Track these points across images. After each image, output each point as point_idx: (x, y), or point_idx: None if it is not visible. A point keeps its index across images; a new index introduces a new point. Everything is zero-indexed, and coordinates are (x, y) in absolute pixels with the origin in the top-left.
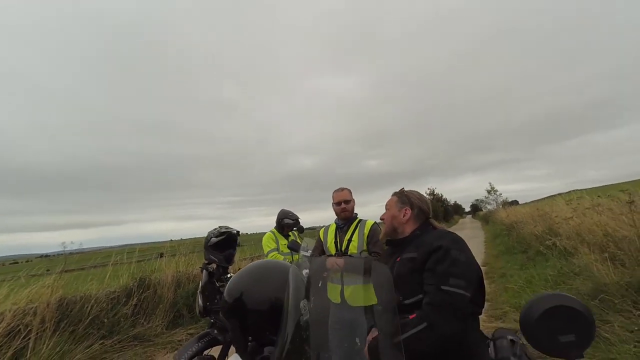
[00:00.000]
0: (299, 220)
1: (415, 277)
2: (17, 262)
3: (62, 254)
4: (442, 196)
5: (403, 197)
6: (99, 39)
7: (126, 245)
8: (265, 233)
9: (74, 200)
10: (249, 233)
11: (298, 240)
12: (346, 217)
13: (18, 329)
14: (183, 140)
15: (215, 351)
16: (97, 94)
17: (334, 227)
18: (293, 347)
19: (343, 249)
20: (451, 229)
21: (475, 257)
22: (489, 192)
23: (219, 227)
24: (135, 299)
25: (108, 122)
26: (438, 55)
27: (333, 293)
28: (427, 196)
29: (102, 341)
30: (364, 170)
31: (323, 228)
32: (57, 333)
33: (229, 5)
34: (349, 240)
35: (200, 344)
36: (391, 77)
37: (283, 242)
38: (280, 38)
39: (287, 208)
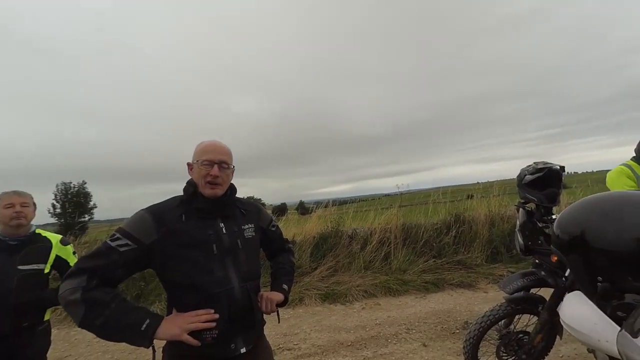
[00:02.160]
0: None
1: None
2: (374, 200)
3: (397, 194)
4: None
5: None
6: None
7: (439, 187)
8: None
9: (394, 153)
10: (578, 172)
11: None
12: None
13: (383, 240)
14: (469, 78)
15: (543, 292)
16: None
17: None
18: None
19: None
20: None
21: None
22: None
23: (534, 163)
24: (454, 231)
25: (409, 84)
26: None
27: None
28: None
29: (434, 259)
30: None
31: None
32: (404, 247)
33: None
34: None
35: (525, 281)
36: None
37: None
38: None
39: None
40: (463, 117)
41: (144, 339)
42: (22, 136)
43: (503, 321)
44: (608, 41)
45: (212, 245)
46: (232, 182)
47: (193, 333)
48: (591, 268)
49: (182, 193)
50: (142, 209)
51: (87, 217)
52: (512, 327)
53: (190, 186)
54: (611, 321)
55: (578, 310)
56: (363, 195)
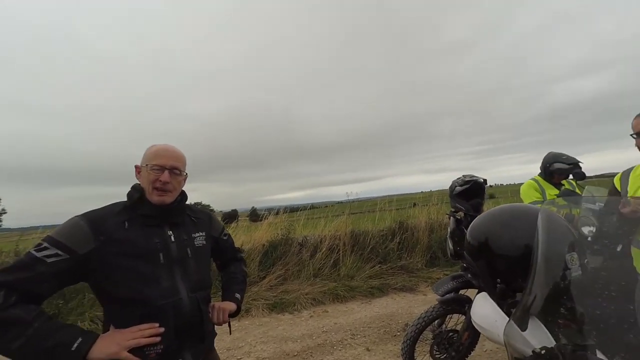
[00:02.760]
0: (579, 163)
1: None
2: (326, 207)
3: (347, 202)
4: None
5: None
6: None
7: (386, 195)
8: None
9: (347, 161)
10: (503, 184)
11: (577, 190)
12: None
13: (333, 247)
14: (417, 96)
15: (470, 293)
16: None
17: None
18: (547, 301)
19: None
20: None
21: None
22: None
23: (463, 176)
24: (398, 237)
25: (362, 98)
26: None
27: None
28: None
29: (379, 265)
30: None
31: (621, 173)
32: (353, 253)
33: None
34: None
35: (454, 283)
36: None
37: (552, 191)
38: None
39: (556, 151)
40: (410, 131)
41: None
42: None
43: (436, 321)
44: (530, 71)
45: (159, 254)
46: (182, 188)
47: (135, 350)
48: (493, 271)
49: (123, 199)
50: (76, 216)
51: None
52: (443, 326)
53: (136, 191)
54: (507, 317)
55: (483, 310)
56: (316, 202)
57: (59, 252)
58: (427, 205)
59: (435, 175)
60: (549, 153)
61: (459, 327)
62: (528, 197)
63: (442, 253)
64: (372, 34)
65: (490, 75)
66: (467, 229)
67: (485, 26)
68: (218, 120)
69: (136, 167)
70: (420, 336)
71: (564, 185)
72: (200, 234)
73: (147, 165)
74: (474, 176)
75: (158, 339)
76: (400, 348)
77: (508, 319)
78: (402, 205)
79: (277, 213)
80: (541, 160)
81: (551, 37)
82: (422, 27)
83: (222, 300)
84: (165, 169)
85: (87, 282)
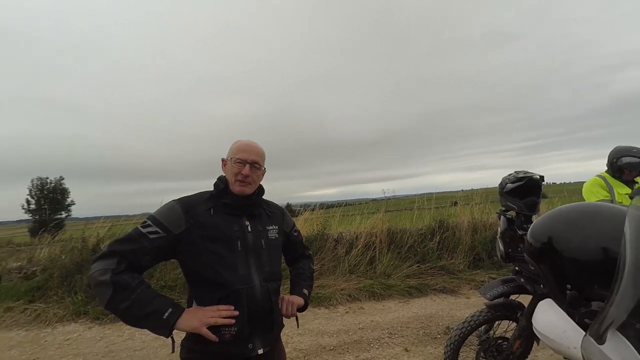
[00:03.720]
0: None
1: None
2: (360, 204)
3: (383, 199)
4: None
5: None
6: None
7: (424, 193)
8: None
9: (381, 159)
10: (556, 183)
11: None
12: None
13: (369, 244)
14: (453, 90)
15: (522, 299)
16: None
17: None
18: (634, 315)
19: None
20: None
21: None
22: None
23: (515, 172)
24: (438, 237)
25: (389, 95)
26: None
27: None
28: None
29: (418, 265)
30: None
31: None
32: (389, 252)
33: None
34: None
35: (505, 287)
36: None
37: (622, 190)
38: None
39: (623, 144)
40: (448, 128)
41: (165, 328)
42: None
43: (483, 327)
44: (587, 60)
45: (237, 241)
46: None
47: (212, 328)
48: (560, 276)
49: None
50: (173, 200)
51: (63, 214)
52: (491, 332)
53: (221, 182)
54: (579, 328)
55: (548, 318)
56: (350, 199)
57: (159, 230)
58: (469, 203)
59: (476, 173)
60: (616, 147)
61: (508, 335)
62: (593, 195)
63: (487, 255)
64: (406, 24)
65: (539, 65)
66: (519, 230)
67: (532, 12)
68: (250, 120)
69: (222, 160)
70: (465, 341)
71: (637, 182)
72: (274, 227)
73: (231, 158)
74: (528, 172)
75: (233, 321)
76: (443, 352)
77: (580, 329)
78: (442, 204)
79: (313, 209)
80: (606, 157)
81: (612, 21)
82: (461, 14)
83: (291, 295)
84: (247, 163)
85: (177, 260)
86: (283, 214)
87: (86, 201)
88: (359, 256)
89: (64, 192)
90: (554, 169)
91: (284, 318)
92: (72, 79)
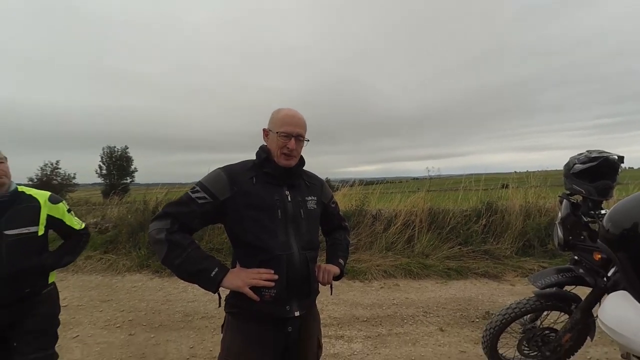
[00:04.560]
0: None
1: None
2: (400, 182)
3: (426, 178)
4: None
5: None
6: None
7: (471, 174)
8: None
9: (427, 136)
10: (634, 168)
11: None
12: None
13: (408, 222)
14: (521, 58)
15: (579, 291)
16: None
17: None
18: None
19: None
20: None
21: None
22: None
23: (588, 151)
24: (484, 220)
25: (439, 68)
26: None
27: None
28: None
29: (459, 247)
30: None
31: None
32: (429, 232)
33: None
34: None
35: (560, 277)
36: None
37: None
38: None
39: None
40: (506, 102)
41: (212, 285)
42: (69, 100)
43: (529, 316)
44: None
45: (277, 210)
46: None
47: (253, 289)
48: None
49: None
50: (218, 168)
51: (128, 180)
52: (538, 322)
53: (263, 152)
54: None
55: (623, 312)
56: (391, 177)
57: (206, 195)
58: (522, 186)
59: (534, 154)
60: None
61: (557, 327)
62: None
63: (539, 242)
64: None
65: (619, 31)
66: (585, 216)
67: None
68: (293, 94)
69: (264, 130)
70: (507, 328)
71: None
72: (313, 198)
73: (277, 132)
74: (603, 152)
75: (272, 284)
76: (482, 335)
77: None
78: (491, 186)
79: (352, 185)
80: None
81: None
82: None
83: (327, 264)
84: (292, 136)
85: (223, 224)
86: (322, 185)
87: (148, 168)
88: (397, 234)
89: (129, 160)
90: (636, 151)
91: (319, 285)
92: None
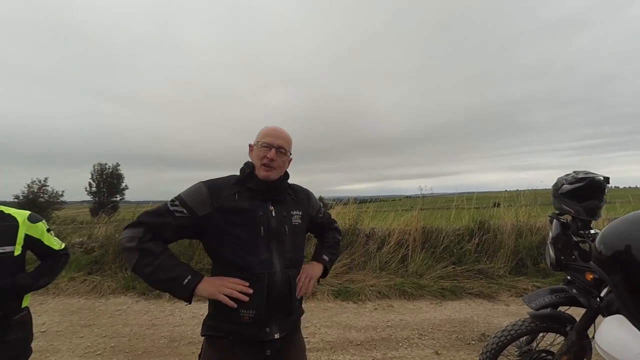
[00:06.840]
0: None
1: None
2: (393, 200)
3: (419, 196)
4: None
5: None
6: None
7: (463, 192)
8: None
9: (419, 155)
10: (619, 187)
11: None
12: None
13: (402, 241)
14: (510, 81)
15: (573, 312)
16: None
17: None
18: None
19: None
20: None
21: None
22: None
23: (574, 172)
24: (477, 238)
25: (441, 85)
26: None
27: None
28: None
29: (453, 266)
30: None
31: None
32: (423, 251)
33: None
34: None
35: (553, 297)
36: None
37: None
38: None
39: None
40: (496, 123)
41: (185, 292)
42: (63, 117)
43: (524, 338)
44: None
45: (260, 227)
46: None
47: (232, 311)
48: (636, 289)
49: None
50: (200, 182)
51: (118, 198)
52: (534, 344)
53: (247, 167)
54: None
55: (619, 336)
56: (384, 195)
57: (184, 210)
58: (513, 205)
59: (521, 173)
60: None
61: (553, 349)
62: None
63: (532, 261)
64: (453, 14)
65: (604, 57)
66: (575, 235)
67: (599, 3)
68: (285, 112)
69: (250, 145)
70: (504, 350)
71: None
72: (298, 212)
73: (258, 142)
74: (590, 172)
75: (247, 298)
76: (478, 359)
77: None
78: (483, 204)
79: (346, 204)
80: None
81: None
82: (516, 4)
83: (311, 260)
84: (273, 147)
85: (201, 240)
86: (309, 198)
87: (139, 185)
88: (391, 253)
89: (119, 178)
90: (618, 172)
91: (302, 305)
92: (145, 75)
